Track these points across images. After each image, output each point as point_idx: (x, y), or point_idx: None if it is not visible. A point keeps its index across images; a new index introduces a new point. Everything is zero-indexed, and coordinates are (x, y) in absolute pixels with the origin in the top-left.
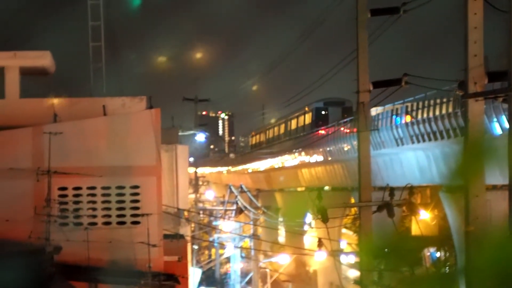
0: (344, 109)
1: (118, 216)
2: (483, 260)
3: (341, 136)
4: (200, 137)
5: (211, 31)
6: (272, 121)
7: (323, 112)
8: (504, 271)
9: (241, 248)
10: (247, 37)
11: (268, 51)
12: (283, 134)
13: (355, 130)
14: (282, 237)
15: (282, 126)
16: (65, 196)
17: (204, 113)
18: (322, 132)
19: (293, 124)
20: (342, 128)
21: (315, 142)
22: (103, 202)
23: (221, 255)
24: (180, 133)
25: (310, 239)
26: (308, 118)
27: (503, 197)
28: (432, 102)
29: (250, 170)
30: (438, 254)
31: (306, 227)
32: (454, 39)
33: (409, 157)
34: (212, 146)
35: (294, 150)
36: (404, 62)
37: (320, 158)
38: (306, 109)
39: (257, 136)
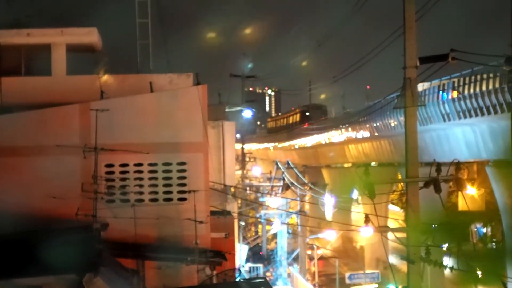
0: (322, 111)
1: (165, 192)
2: None
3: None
4: (247, 113)
5: (258, 6)
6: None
7: (306, 113)
8: None
9: (288, 224)
10: (295, 13)
11: (316, 27)
12: (285, 125)
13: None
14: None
15: (285, 119)
16: (112, 173)
17: (251, 89)
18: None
19: (291, 119)
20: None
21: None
22: (150, 178)
23: (268, 231)
24: (227, 110)
25: (357, 215)
26: (298, 117)
27: None
28: (479, 77)
29: (296, 146)
30: (485, 230)
31: (352, 203)
32: (503, 14)
33: (455, 133)
34: (259, 123)
35: (340, 126)
36: (452, 37)
37: (366, 134)
38: (297, 110)
39: (271, 123)
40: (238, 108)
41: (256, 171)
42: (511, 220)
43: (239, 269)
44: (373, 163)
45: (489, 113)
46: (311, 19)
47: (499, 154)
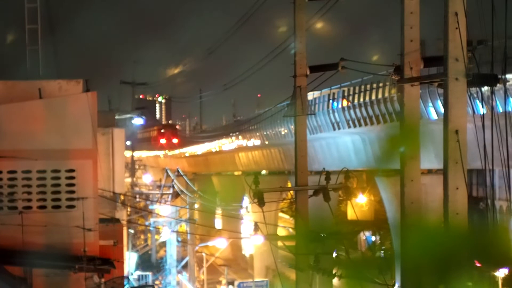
0: (173, 130)
1: (54, 200)
2: (418, 244)
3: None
4: (137, 120)
5: (149, 13)
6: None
7: (162, 131)
8: (438, 255)
9: (177, 232)
10: (185, 21)
11: (207, 35)
12: (147, 138)
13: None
14: (219, 221)
15: (148, 133)
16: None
17: (141, 96)
18: (162, 141)
19: (152, 133)
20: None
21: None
22: (38, 186)
23: (157, 239)
24: (117, 117)
25: (246, 223)
26: (156, 133)
27: (438, 181)
28: (368, 86)
29: (187, 154)
30: (373, 238)
31: (242, 211)
32: (391, 23)
33: (345, 141)
34: None
35: (231, 134)
36: (341, 46)
37: (257, 142)
38: (155, 128)
39: (140, 134)
40: (128, 115)
41: (146, 178)
42: (398, 229)
43: (127, 277)
44: (263, 171)
45: (378, 122)
46: (202, 28)
47: (387, 163)
